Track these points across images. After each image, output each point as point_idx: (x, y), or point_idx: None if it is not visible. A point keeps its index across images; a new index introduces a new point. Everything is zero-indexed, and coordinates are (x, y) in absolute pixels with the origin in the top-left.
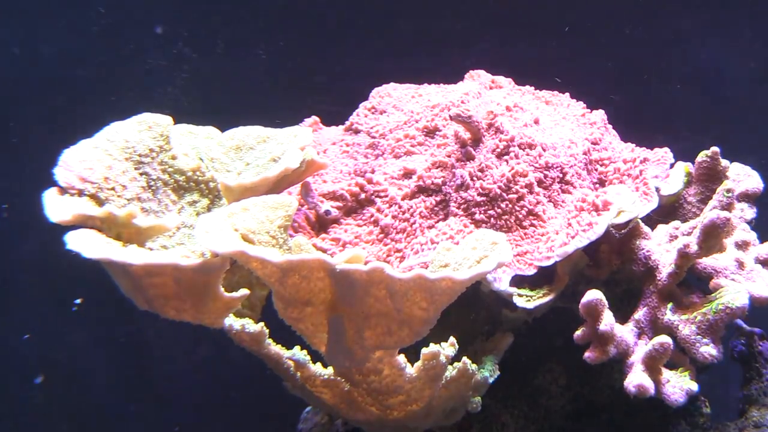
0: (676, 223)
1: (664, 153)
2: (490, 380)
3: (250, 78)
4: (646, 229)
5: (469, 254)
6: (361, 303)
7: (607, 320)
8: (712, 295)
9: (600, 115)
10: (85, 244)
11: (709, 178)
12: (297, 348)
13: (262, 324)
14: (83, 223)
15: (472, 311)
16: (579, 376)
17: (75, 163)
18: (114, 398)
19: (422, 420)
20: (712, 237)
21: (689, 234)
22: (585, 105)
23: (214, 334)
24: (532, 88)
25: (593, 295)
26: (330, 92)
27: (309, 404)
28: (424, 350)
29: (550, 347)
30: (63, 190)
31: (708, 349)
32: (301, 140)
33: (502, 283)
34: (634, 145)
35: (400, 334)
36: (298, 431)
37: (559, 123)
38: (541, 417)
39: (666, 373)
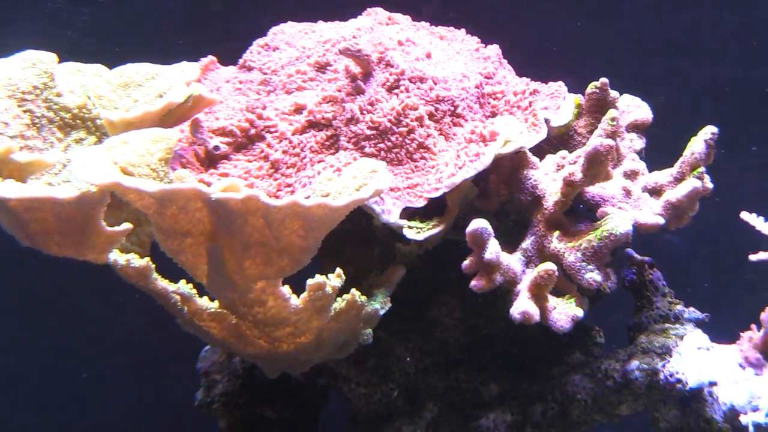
0: (563, 152)
1: (558, 86)
2: (381, 312)
3: (152, 20)
4: (533, 159)
5: (349, 183)
6: (239, 232)
7: (493, 248)
8: (598, 222)
9: (494, 49)
10: None
11: (599, 109)
12: (182, 282)
13: (147, 259)
14: None
15: (366, 247)
16: (473, 309)
17: None
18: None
19: (313, 353)
20: (596, 164)
21: (575, 163)
22: (479, 40)
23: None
24: (428, 24)
25: (478, 224)
26: (232, 33)
27: (204, 341)
28: (310, 281)
29: (445, 281)
30: None
31: (593, 276)
32: (187, 75)
33: (392, 215)
34: (528, 79)
35: (280, 263)
36: (197, 370)
37: (452, 57)
38: (436, 349)
39: (552, 300)
